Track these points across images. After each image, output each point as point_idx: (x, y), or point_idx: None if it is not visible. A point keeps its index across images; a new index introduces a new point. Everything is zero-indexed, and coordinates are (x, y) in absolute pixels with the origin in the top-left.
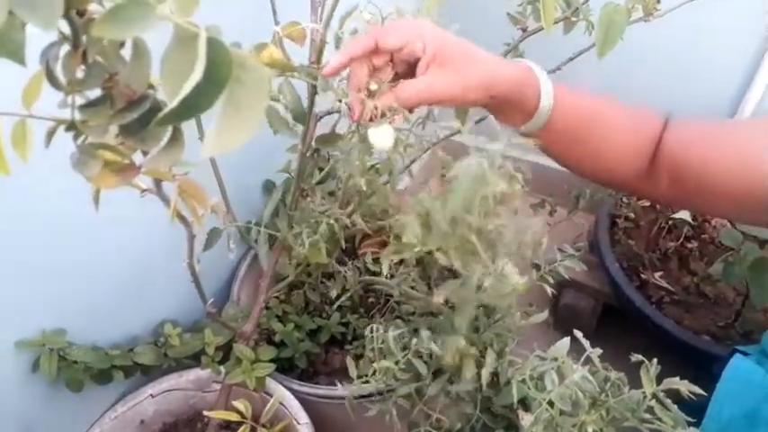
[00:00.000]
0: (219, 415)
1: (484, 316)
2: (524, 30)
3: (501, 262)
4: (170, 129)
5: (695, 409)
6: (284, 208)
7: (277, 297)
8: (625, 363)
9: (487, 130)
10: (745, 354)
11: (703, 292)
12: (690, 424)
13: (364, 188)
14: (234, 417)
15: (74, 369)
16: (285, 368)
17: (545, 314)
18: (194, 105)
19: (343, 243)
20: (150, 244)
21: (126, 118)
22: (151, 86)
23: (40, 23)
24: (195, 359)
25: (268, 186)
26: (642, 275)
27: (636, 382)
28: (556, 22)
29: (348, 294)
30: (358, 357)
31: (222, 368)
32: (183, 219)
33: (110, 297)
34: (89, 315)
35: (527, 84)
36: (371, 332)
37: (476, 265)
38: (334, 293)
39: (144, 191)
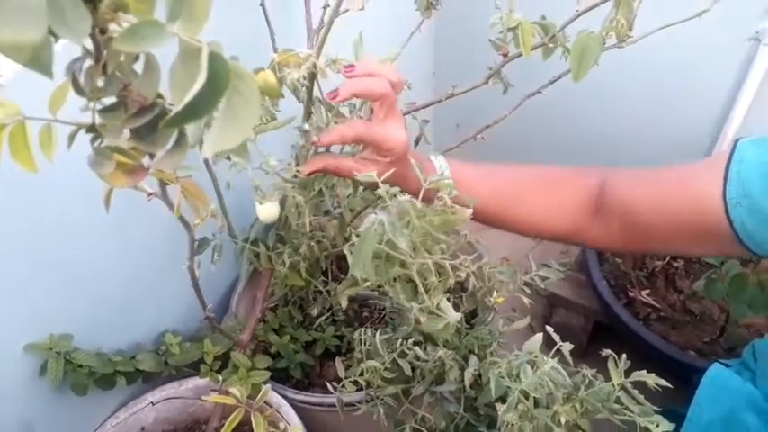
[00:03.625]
0: (215, 399)
1: (466, 323)
2: (505, 55)
3: (436, 298)
4: (175, 134)
5: (679, 417)
6: (273, 228)
7: (273, 310)
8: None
9: (483, 155)
10: (726, 365)
11: (689, 309)
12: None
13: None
14: (229, 400)
15: (79, 373)
16: (281, 378)
17: (527, 320)
18: (197, 109)
19: (323, 265)
20: (153, 257)
21: (138, 122)
22: (160, 96)
23: (74, 38)
24: (194, 368)
25: None
26: (630, 293)
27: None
28: (534, 48)
29: (328, 314)
30: (350, 367)
31: (220, 377)
32: (184, 221)
33: (114, 305)
34: (94, 322)
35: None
36: (360, 335)
37: (412, 302)
38: (315, 312)
39: (150, 194)
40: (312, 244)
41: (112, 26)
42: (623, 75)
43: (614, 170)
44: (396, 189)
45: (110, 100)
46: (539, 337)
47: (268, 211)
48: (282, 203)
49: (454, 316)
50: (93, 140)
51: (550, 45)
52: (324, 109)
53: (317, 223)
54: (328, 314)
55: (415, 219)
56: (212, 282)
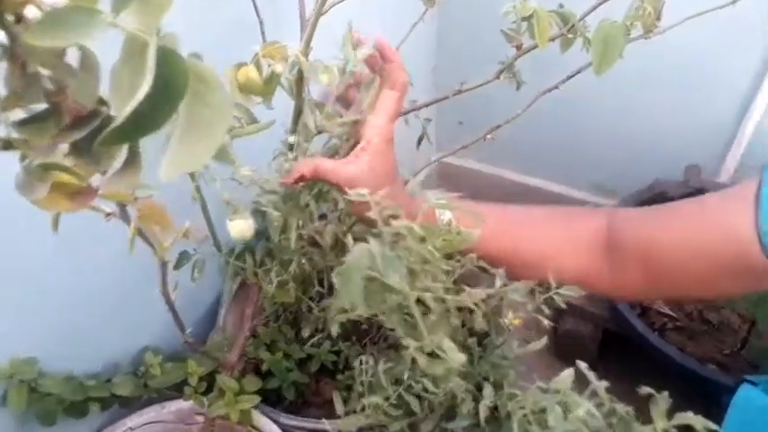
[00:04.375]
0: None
1: (477, 346)
2: (519, 47)
3: (437, 336)
4: (125, 149)
5: None
6: (265, 240)
7: (265, 324)
8: (629, 389)
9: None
10: (754, 384)
11: (707, 318)
12: None
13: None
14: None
15: (46, 402)
16: (272, 400)
17: (543, 341)
18: (143, 122)
19: (316, 281)
20: (131, 265)
21: (73, 136)
22: (104, 102)
23: None
24: (178, 389)
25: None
26: (644, 302)
27: (641, 410)
28: (552, 40)
29: (322, 333)
30: (349, 388)
31: (206, 400)
32: (152, 245)
33: (87, 322)
34: (64, 341)
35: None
36: (361, 364)
37: (409, 339)
38: (306, 333)
39: (108, 215)
40: (303, 261)
41: (32, 11)
42: (641, 62)
43: (620, 210)
44: (391, 208)
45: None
46: (569, 373)
47: (239, 227)
48: (263, 218)
49: (458, 358)
50: (21, 158)
51: (569, 36)
52: (314, 113)
53: (308, 235)
54: (322, 333)
55: (413, 243)
56: (197, 292)
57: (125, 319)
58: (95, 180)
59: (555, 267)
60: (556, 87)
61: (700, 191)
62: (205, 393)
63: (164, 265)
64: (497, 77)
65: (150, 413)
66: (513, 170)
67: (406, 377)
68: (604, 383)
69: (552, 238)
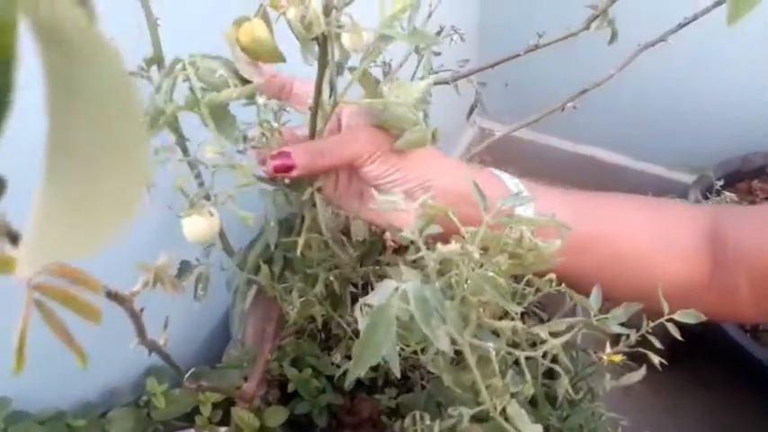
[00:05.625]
0: None
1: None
2: None
3: (502, 399)
4: None
5: None
6: (278, 250)
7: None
8: (700, 393)
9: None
10: None
11: None
12: None
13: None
14: None
15: None
16: (301, 427)
17: (642, 371)
18: None
19: (348, 303)
20: (131, 270)
21: None
22: None
23: None
24: (188, 419)
25: None
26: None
27: (709, 411)
28: None
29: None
30: (392, 412)
31: (223, 430)
32: (115, 296)
33: (80, 341)
34: (48, 368)
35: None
36: (414, 423)
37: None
38: (337, 358)
39: None
40: (331, 278)
41: None
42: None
43: (729, 208)
44: (435, 230)
45: None
46: None
47: (195, 226)
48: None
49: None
50: None
51: None
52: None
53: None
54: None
55: (468, 270)
56: (210, 296)
57: (123, 339)
58: None
59: (660, 269)
60: (663, 40)
61: None
62: (221, 423)
63: (137, 316)
64: (587, 28)
65: None
66: (564, 138)
67: None
68: None
69: (652, 232)
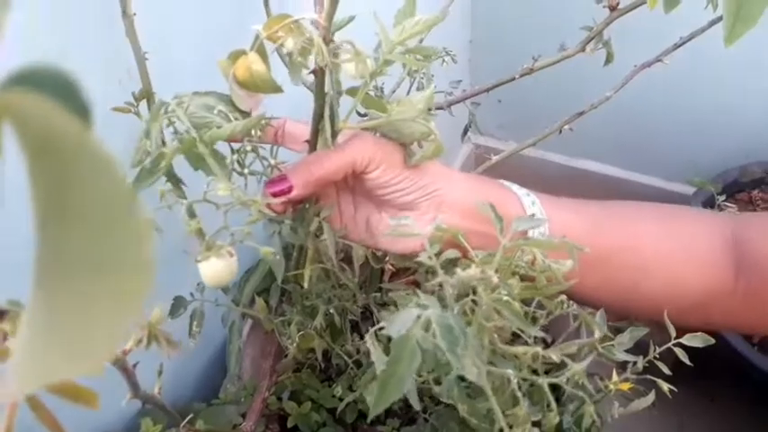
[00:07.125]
0: None
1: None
2: (613, 7)
3: (524, 427)
4: None
5: None
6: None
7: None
8: (703, 405)
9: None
10: None
11: None
12: None
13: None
14: None
15: None
16: None
17: (651, 397)
18: None
19: (348, 333)
20: None
21: None
22: None
23: None
24: None
25: None
26: None
27: (715, 424)
28: None
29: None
30: None
31: None
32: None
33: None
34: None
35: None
36: None
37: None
38: (339, 391)
39: None
40: (330, 310)
41: None
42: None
43: (748, 216)
44: (453, 254)
45: None
46: None
47: (215, 270)
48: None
49: None
50: None
51: None
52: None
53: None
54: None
55: (484, 294)
56: (205, 328)
57: (116, 377)
58: None
59: (682, 281)
60: (659, 60)
61: None
62: None
63: (127, 373)
64: (582, 50)
65: None
66: (559, 152)
67: None
68: None
69: (672, 241)
